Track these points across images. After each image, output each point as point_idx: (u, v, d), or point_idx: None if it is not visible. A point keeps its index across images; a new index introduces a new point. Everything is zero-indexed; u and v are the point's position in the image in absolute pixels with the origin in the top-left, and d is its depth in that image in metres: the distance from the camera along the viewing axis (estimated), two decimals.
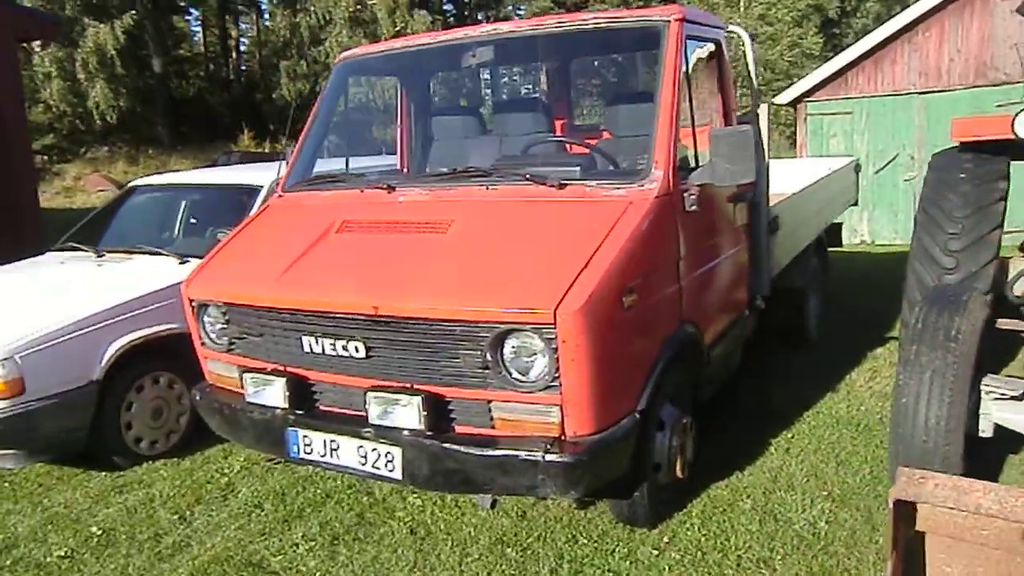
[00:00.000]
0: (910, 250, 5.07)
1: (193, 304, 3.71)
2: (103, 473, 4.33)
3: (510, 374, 2.92)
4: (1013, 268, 5.18)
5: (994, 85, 11.47)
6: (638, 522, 3.45)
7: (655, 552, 3.28)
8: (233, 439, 3.77)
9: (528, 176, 3.43)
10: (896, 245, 12.17)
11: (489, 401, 2.99)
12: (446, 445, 3.01)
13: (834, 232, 7.28)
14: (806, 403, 4.97)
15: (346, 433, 3.26)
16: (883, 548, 3.25)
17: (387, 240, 3.43)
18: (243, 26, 32.82)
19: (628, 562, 3.21)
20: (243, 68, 33.14)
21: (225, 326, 3.59)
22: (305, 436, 3.37)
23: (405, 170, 4.85)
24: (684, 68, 3.54)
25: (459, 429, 3.08)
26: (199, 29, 34.63)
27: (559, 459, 2.86)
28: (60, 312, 4.19)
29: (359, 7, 22.79)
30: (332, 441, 3.30)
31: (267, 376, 3.38)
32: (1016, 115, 4.34)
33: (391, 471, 3.17)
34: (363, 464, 3.24)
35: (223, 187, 5.51)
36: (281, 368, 3.40)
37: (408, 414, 3.03)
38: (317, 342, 3.25)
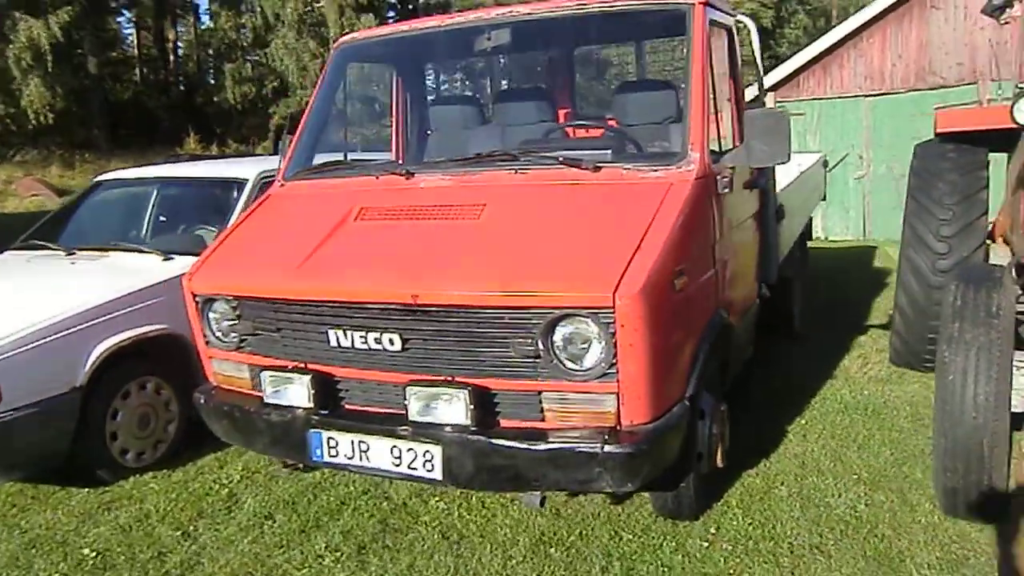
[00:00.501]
0: (901, 237, 5.15)
1: (197, 299, 3.44)
2: (85, 490, 3.98)
3: (563, 363, 2.77)
4: (992, 254, 5.28)
5: (932, 89, 11.86)
6: (683, 514, 3.33)
7: (705, 544, 3.16)
8: (243, 444, 3.51)
9: (561, 159, 3.29)
10: (848, 241, 12.49)
11: (539, 392, 2.83)
12: (494, 440, 2.84)
13: (808, 226, 7.38)
14: (810, 391, 4.97)
15: (377, 433, 3.05)
16: (929, 529, 3.22)
17: (416, 226, 3.24)
18: (180, 29, 31.73)
19: (680, 556, 3.09)
20: (180, 71, 32.06)
21: (235, 322, 3.33)
22: (330, 438, 3.14)
23: (400, 162, 4.66)
24: (710, 51, 3.46)
25: (504, 423, 2.91)
26: (132, 31, 33.43)
27: (619, 450, 2.72)
28: (39, 312, 3.84)
29: (307, 9, 22.29)
30: (361, 442, 3.09)
31: (288, 374, 3.14)
32: (1014, 103, 4.39)
33: (429, 471, 2.98)
34: (397, 465, 3.04)
35: (205, 180, 5.20)
36: (302, 365, 3.17)
37: (453, 409, 2.84)
38: (346, 336, 3.03)
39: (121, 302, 4.08)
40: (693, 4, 3.46)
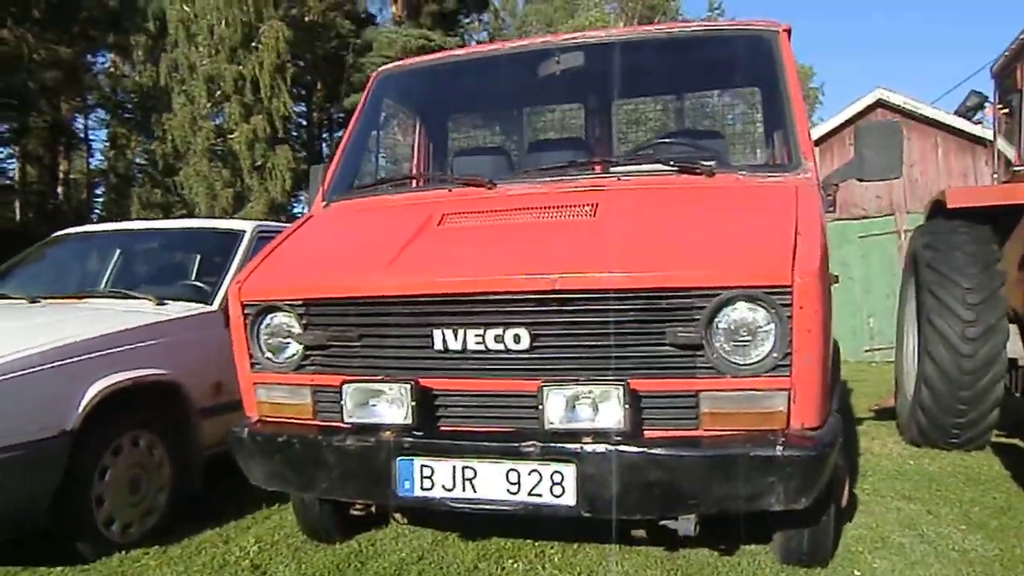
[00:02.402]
0: (924, 307, 5.14)
1: (247, 312, 2.89)
2: (58, 568, 3.15)
3: (728, 355, 2.42)
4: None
5: (855, 219, 12.69)
6: (817, 558, 2.90)
7: None
8: (299, 486, 2.88)
9: (673, 163, 3.07)
10: None
11: (696, 393, 2.45)
12: (648, 450, 2.40)
13: None
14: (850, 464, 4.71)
15: (490, 454, 2.55)
16: None
17: (523, 224, 2.89)
18: (86, 158, 30.55)
19: None
20: (60, 200, 30.58)
21: (301, 333, 2.80)
22: (425, 465, 2.61)
23: None
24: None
25: (650, 434, 2.48)
26: (14, 162, 32.03)
27: (800, 452, 2.35)
28: (25, 340, 3.16)
29: (218, 139, 22.04)
30: (466, 468, 2.57)
31: (380, 385, 2.61)
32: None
33: (558, 496, 2.49)
34: (514, 493, 2.53)
35: (201, 231, 4.65)
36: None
37: (606, 411, 2.39)
38: (456, 336, 2.57)
39: (119, 338, 3.45)
40: (778, 31, 3.45)
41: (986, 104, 6.03)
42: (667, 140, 3.57)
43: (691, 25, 3.57)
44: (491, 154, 4.46)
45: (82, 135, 30.13)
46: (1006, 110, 6.01)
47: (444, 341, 2.58)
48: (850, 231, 12.41)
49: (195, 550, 3.34)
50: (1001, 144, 6.16)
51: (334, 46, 28.44)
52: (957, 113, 6.19)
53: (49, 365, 3.11)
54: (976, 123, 6.17)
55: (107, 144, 27.65)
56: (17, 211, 29.24)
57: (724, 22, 3.94)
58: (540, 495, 2.50)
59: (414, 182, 3.61)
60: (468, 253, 2.77)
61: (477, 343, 2.55)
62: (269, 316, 2.87)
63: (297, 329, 2.81)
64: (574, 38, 3.65)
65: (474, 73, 3.96)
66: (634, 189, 3.02)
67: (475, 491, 2.56)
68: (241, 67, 21.05)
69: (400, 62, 4.12)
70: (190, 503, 3.75)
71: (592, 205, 2.89)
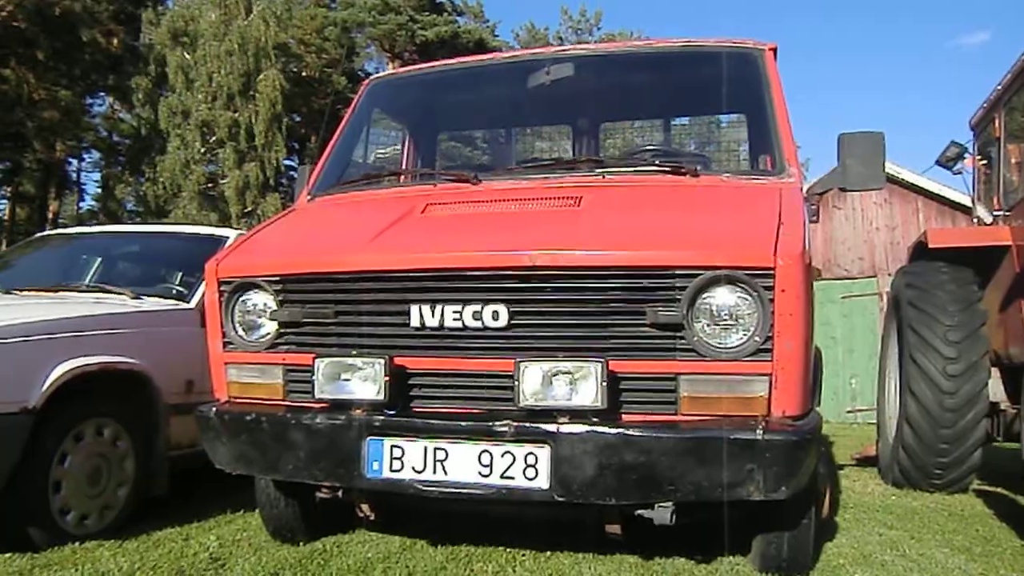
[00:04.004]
0: (906, 345, 5.13)
1: (223, 289, 2.84)
2: (5, 555, 3.00)
3: (708, 338, 2.39)
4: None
5: (837, 279, 12.81)
6: (796, 566, 2.81)
7: None
8: (264, 469, 2.77)
9: (659, 163, 3.09)
10: None
11: (675, 375, 2.41)
12: (626, 430, 2.35)
13: None
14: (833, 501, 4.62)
15: (462, 435, 2.48)
16: None
17: (505, 210, 2.88)
18: (76, 201, 30.56)
19: None
20: None
21: (276, 309, 2.75)
22: (395, 446, 2.53)
23: None
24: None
25: (628, 418, 2.43)
26: (5, 202, 31.99)
27: (781, 437, 2.30)
28: None
29: (210, 183, 22.15)
30: (438, 449, 2.50)
31: (353, 360, 2.55)
32: None
33: (531, 479, 2.42)
34: (486, 476, 2.46)
35: (184, 236, 4.62)
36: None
37: (583, 389, 2.34)
38: (434, 313, 2.53)
39: (89, 322, 3.39)
40: (764, 50, 3.52)
41: (965, 155, 6.15)
42: (653, 148, 3.62)
43: (681, 41, 3.63)
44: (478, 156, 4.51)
45: (74, 177, 30.29)
46: (984, 161, 6.14)
47: (421, 318, 2.54)
48: (832, 291, 12.50)
49: (153, 544, 3.20)
50: (980, 210, 6.28)
51: (330, 101, 28.95)
52: (937, 163, 6.28)
53: (14, 339, 3.04)
54: (956, 173, 6.25)
55: (99, 184, 27.76)
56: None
57: (712, 40, 3.99)
58: (513, 478, 2.43)
59: (401, 177, 3.60)
60: (448, 233, 2.75)
61: (455, 320, 2.51)
62: (245, 293, 2.82)
63: (273, 306, 2.76)
64: (564, 50, 3.71)
65: (465, 82, 4.01)
66: (620, 186, 3.03)
67: (446, 473, 2.49)
68: (237, 115, 21.32)
69: (391, 71, 4.17)
70: (152, 503, 3.62)
71: (576, 198, 2.89)
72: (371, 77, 4.11)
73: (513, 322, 2.47)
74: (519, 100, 3.94)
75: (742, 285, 2.36)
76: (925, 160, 14.42)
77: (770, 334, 2.35)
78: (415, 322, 2.55)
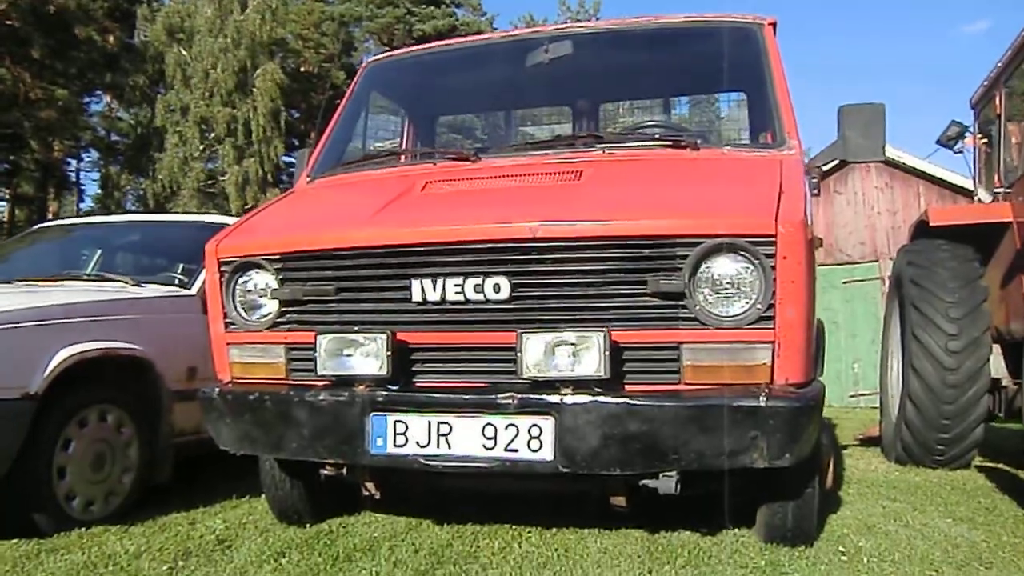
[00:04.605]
0: (908, 322, 5.13)
1: (223, 269, 2.84)
2: (12, 541, 3.00)
3: (710, 306, 2.38)
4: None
5: (839, 264, 12.80)
6: (802, 534, 2.80)
7: (844, 559, 2.65)
8: (267, 448, 2.78)
9: (659, 136, 3.09)
10: None
11: (678, 344, 2.41)
12: (628, 400, 2.34)
13: None
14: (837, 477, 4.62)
15: (466, 408, 2.48)
16: None
17: (505, 185, 2.88)
18: (75, 201, 30.48)
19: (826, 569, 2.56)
20: None
21: (277, 288, 2.74)
22: (399, 421, 2.53)
23: None
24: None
25: (631, 388, 2.43)
26: (4, 203, 31.98)
27: (785, 404, 2.30)
28: None
29: (209, 180, 22.17)
30: (442, 424, 2.50)
31: (355, 336, 2.55)
32: None
33: (535, 450, 2.42)
34: (490, 448, 2.46)
35: (181, 225, 4.63)
36: None
37: (586, 359, 2.34)
38: (435, 287, 2.52)
39: (91, 308, 3.39)
40: (763, 24, 3.51)
41: (966, 134, 6.13)
42: (654, 123, 3.61)
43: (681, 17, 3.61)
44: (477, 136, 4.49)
45: (73, 177, 30.24)
46: (985, 140, 6.12)
47: (423, 292, 2.54)
48: (834, 276, 12.49)
49: (159, 528, 3.21)
50: (980, 192, 6.27)
51: (329, 96, 28.90)
52: (938, 143, 6.26)
53: (16, 324, 3.04)
54: (957, 152, 6.23)
55: (98, 184, 27.73)
56: None
57: (711, 15, 3.97)
58: (517, 450, 2.43)
59: (400, 157, 3.60)
60: (449, 208, 2.75)
61: (456, 293, 2.51)
62: (245, 273, 2.82)
63: (273, 284, 2.75)
64: (562, 28, 3.70)
65: (463, 62, 3.99)
66: (620, 160, 3.02)
67: (450, 447, 2.49)
68: (235, 111, 21.30)
69: (388, 53, 4.16)
70: (156, 491, 3.62)
71: (577, 172, 2.88)
72: (369, 59, 4.09)
73: (515, 294, 2.47)
74: (518, 80, 3.92)
75: (744, 253, 2.36)
76: (926, 145, 14.34)
77: (772, 302, 2.34)
78: (416, 297, 2.55)
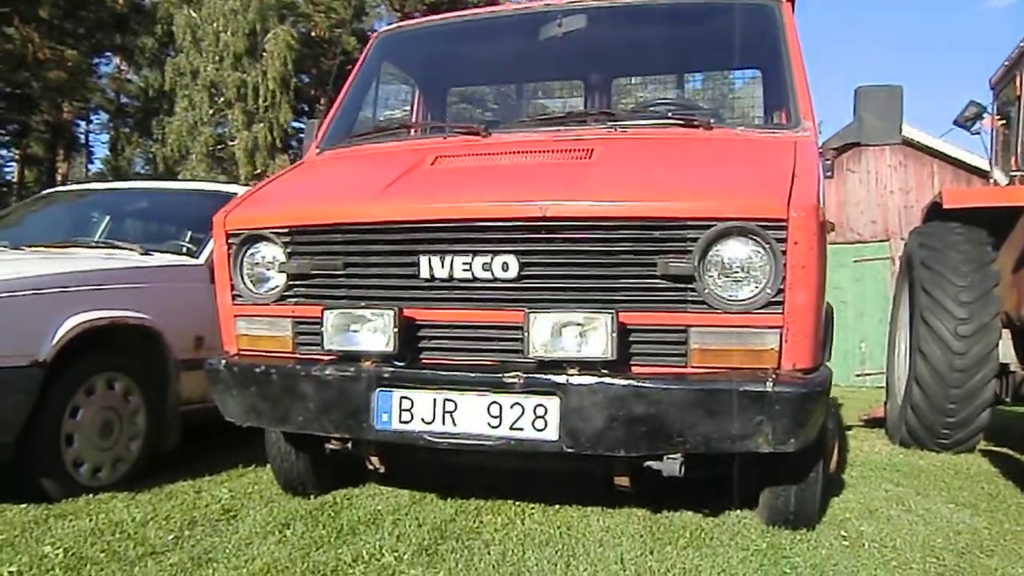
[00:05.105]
0: (918, 305, 5.10)
1: (231, 241, 2.83)
2: (21, 506, 3.04)
3: (719, 290, 2.37)
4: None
5: (850, 243, 12.72)
6: (803, 517, 2.81)
7: (846, 544, 2.66)
8: (273, 421, 2.79)
9: (671, 116, 3.05)
10: None
11: (686, 328, 2.39)
12: (635, 382, 2.34)
13: None
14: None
15: (472, 386, 2.48)
16: None
17: (516, 162, 2.85)
18: (85, 163, 30.50)
19: (825, 554, 2.57)
20: None
21: (285, 262, 2.74)
22: (405, 397, 2.54)
23: None
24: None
25: (637, 370, 2.42)
26: (13, 164, 32.00)
27: (791, 390, 2.29)
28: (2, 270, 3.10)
29: (219, 145, 22.09)
30: (447, 401, 2.50)
31: (362, 311, 2.55)
32: None
33: (540, 430, 2.42)
34: (495, 427, 2.46)
35: (190, 192, 4.61)
36: None
37: (593, 340, 2.33)
38: (443, 264, 2.51)
39: (99, 276, 3.40)
40: (780, 1, 3.44)
41: (984, 115, 6.04)
42: (667, 101, 3.56)
43: None
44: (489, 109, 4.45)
45: (82, 139, 30.20)
46: (1003, 121, 6.03)
47: (431, 269, 2.53)
48: (844, 255, 12.41)
49: (165, 496, 3.24)
50: (996, 173, 6.19)
51: (340, 62, 28.63)
52: (955, 123, 6.16)
53: (24, 292, 3.05)
54: (974, 133, 6.14)
55: (107, 145, 27.68)
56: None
57: None
58: (522, 429, 2.43)
59: (410, 130, 3.57)
60: (458, 184, 2.73)
61: (464, 271, 2.50)
62: (254, 245, 2.81)
63: (281, 258, 2.75)
64: (577, 1, 3.62)
65: (475, 34, 3.93)
66: (632, 138, 2.99)
67: (455, 425, 2.50)
68: (245, 75, 21.14)
69: (400, 24, 4.10)
70: (163, 458, 3.65)
71: (588, 150, 2.85)
72: (381, 30, 4.04)
73: (523, 273, 2.45)
74: (530, 53, 3.87)
75: (754, 237, 2.34)
76: (943, 123, 14.21)
77: (782, 287, 2.33)
78: (424, 273, 2.54)
